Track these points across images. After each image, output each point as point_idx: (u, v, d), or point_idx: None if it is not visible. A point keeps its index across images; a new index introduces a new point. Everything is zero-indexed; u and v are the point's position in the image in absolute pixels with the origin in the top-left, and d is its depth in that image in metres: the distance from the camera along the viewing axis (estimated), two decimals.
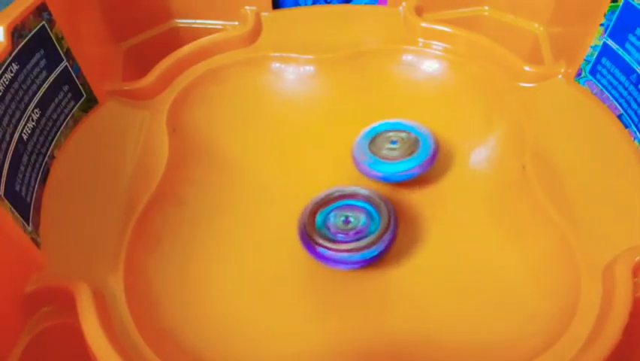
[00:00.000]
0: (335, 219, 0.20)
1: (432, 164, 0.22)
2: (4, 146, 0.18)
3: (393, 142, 0.22)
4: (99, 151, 0.22)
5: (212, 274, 0.20)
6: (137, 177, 0.21)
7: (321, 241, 0.19)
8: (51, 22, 0.21)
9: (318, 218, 0.20)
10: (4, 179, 0.17)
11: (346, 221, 0.20)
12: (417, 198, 0.23)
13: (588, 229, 0.19)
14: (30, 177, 0.19)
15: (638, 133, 0.21)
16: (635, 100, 0.21)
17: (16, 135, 0.19)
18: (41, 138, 0.20)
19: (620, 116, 0.22)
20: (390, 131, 0.23)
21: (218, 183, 0.23)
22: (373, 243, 0.19)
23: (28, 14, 0.19)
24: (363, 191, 0.20)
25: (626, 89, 0.22)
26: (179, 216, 0.21)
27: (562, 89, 0.24)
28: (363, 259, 0.19)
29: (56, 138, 0.21)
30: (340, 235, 0.19)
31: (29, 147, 0.19)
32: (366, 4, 0.29)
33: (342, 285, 0.20)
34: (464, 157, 0.24)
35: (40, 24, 0.20)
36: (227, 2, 0.28)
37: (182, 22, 0.29)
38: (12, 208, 0.17)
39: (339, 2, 0.29)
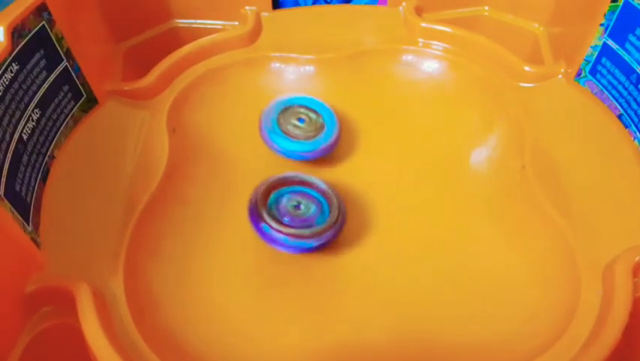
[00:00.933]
0: (287, 202, 0.20)
1: (325, 153, 0.22)
2: (4, 146, 0.18)
3: (300, 120, 0.23)
4: (99, 151, 0.22)
5: (212, 274, 0.20)
6: (137, 177, 0.21)
7: (266, 218, 0.19)
8: (51, 22, 0.21)
9: (272, 196, 0.20)
10: (4, 179, 0.17)
11: (297, 207, 0.20)
12: (416, 198, 0.23)
13: (588, 228, 0.19)
14: (30, 177, 0.19)
15: (638, 133, 0.21)
16: (635, 100, 0.21)
17: (16, 135, 0.19)
18: (41, 138, 0.20)
19: (620, 116, 0.22)
20: (301, 107, 0.23)
21: (219, 183, 0.23)
22: (315, 235, 0.19)
23: (28, 14, 0.19)
24: (322, 184, 0.21)
25: (626, 89, 0.22)
26: (180, 216, 0.21)
27: (562, 89, 0.24)
28: (301, 247, 0.19)
29: (56, 138, 0.21)
30: (287, 218, 0.19)
31: (29, 147, 0.19)
32: (366, 4, 0.29)
33: (344, 281, 0.20)
34: (464, 157, 0.24)
35: (40, 24, 0.20)
36: (227, 2, 0.28)
37: (182, 22, 0.29)
38: (12, 208, 0.17)
39: (339, 2, 0.29)
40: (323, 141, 0.22)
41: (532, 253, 0.20)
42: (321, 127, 0.23)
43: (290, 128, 0.22)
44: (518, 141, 0.22)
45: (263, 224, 0.19)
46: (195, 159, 0.23)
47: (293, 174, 0.21)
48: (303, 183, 0.21)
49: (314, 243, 0.19)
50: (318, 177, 0.21)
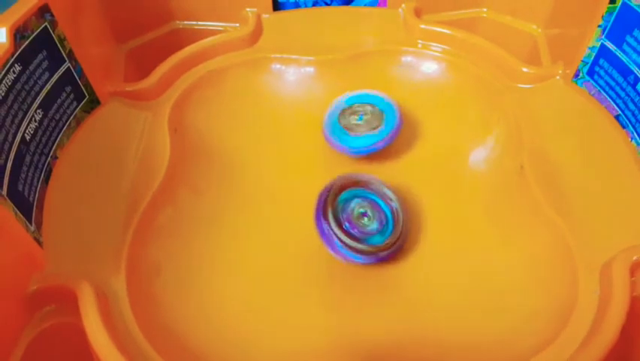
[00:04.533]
0: (354, 207, 0.20)
1: (394, 138, 0.23)
2: (7, 146, 0.18)
3: (360, 116, 0.23)
4: (101, 151, 0.22)
5: (213, 272, 0.20)
6: (139, 177, 0.21)
7: (329, 218, 0.19)
8: (53, 23, 0.21)
9: (343, 195, 0.20)
10: (7, 179, 0.17)
11: (363, 215, 0.20)
12: (415, 199, 0.23)
13: (586, 228, 0.19)
14: (33, 177, 0.19)
15: (635, 133, 0.21)
16: (632, 100, 0.21)
17: (19, 136, 0.19)
18: (44, 139, 0.20)
19: (617, 117, 0.22)
20: (357, 104, 0.24)
21: (220, 183, 0.23)
22: (367, 252, 0.19)
23: (30, 15, 0.19)
24: (394, 202, 0.20)
25: (623, 89, 0.22)
26: (181, 215, 0.21)
27: (560, 90, 0.24)
28: (349, 258, 0.19)
29: (59, 138, 0.21)
30: (347, 224, 0.19)
31: (32, 148, 0.19)
32: (366, 5, 0.29)
33: (345, 280, 0.20)
34: (463, 157, 0.24)
35: (43, 25, 0.20)
36: (228, 4, 0.28)
37: (184, 23, 0.29)
38: (15, 208, 0.17)
39: (340, 4, 0.29)
40: (390, 123, 0.23)
41: (530, 253, 0.20)
42: (380, 114, 0.23)
43: (353, 126, 0.23)
44: (516, 142, 0.22)
45: (325, 223, 0.19)
46: (196, 159, 0.24)
47: (372, 178, 0.21)
48: (377, 192, 0.20)
49: (362, 259, 0.19)
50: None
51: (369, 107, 0.23)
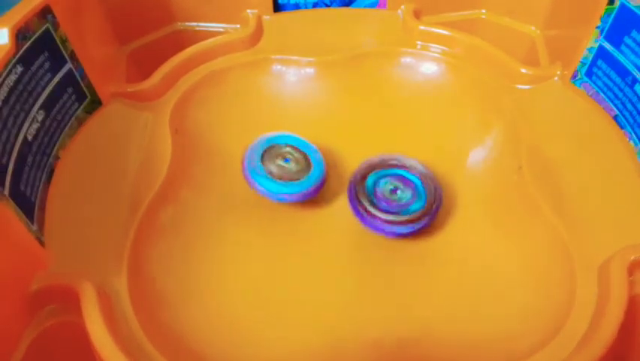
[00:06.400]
0: (384, 186, 0.20)
1: (312, 195, 0.21)
2: (9, 147, 0.18)
3: (286, 160, 0.22)
4: (103, 152, 0.22)
5: (215, 272, 0.20)
6: (141, 177, 0.21)
7: (364, 202, 0.20)
8: (55, 24, 0.21)
9: (370, 179, 0.21)
10: (9, 179, 0.18)
11: (394, 191, 0.20)
12: None
13: (583, 228, 0.19)
14: (35, 177, 0.19)
15: (633, 134, 0.21)
16: (630, 101, 0.21)
17: (21, 136, 0.19)
18: (46, 139, 0.20)
19: (615, 118, 0.22)
20: (287, 146, 0.22)
21: (220, 183, 0.23)
22: (412, 220, 0.20)
23: (32, 16, 0.19)
24: (418, 168, 0.21)
25: (621, 90, 0.22)
26: (182, 215, 0.22)
27: (558, 90, 0.24)
28: (397, 231, 0.20)
29: (60, 138, 0.21)
30: (384, 204, 0.20)
31: (34, 148, 0.20)
32: (365, 7, 0.29)
33: (346, 271, 0.20)
34: (461, 158, 0.24)
35: (45, 26, 0.20)
36: (229, 5, 0.28)
37: (185, 25, 0.29)
38: (17, 208, 0.17)
39: (340, 5, 0.29)
40: (311, 180, 0.21)
41: (529, 253, 0.20)
42: (307, 166, 0.21)
43: (274, 169, 0.21)
44: (515, 142, 0.22)
45: (361, 208, 0.20)
46: (197, 159, 0.24)
47: (392, 156, 0.21)
48: (401, 166, 0.21)
49: (413, 227, 0.20)
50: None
51: (297, 154, 0.22)
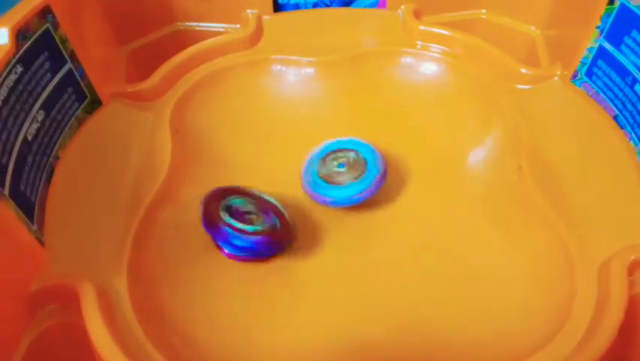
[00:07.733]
0: (240, 206, 0.21)
1: (379, 187, 0.21)
2: (9, 147, 0.18)
3: (340, 165, 0.22)
4: (103, 152, 0.22)
5: (215, 272, 0.20)
6: (141, 177, 0.21)
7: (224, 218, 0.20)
8: (55, 24, 0.21)
9: (231, 201, 0.21)
10: (9, 179, 0.18)
11: (248, 213, 0.21)
12: (414, 198, 0.23)
13: (584, 228, 0.19)
14: (35, 177, 0.19)
15: (633, 134, 0.21)
16: (630, 101, 0.21)
17: (21, 136, 0.19)
18: (46, 139, 0.20)
19: (615, 117, 0.22)
20: (338, 151, 0.22)
21: (221, 183, 0.23)
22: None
23: (32, 16, 0.19)
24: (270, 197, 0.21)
25: (621, 90, 0.22)
26: (183, 215, 0.22)
27: (558, 90, 0.24)
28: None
29: (60, 138, 0.21)
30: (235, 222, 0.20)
31: (34, 148, 0.20)
32: (365, 7, 0.29)
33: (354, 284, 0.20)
34: (461, 158, 0.24)
35: (45, 26, 0.20)
36: (229, 6, 0.28)
37: (185, 25, 0.29)
38: (17, 208, 0.17)
39: (340, 5, 0.29)
40: (373, 172, 0.21)
41: (529, 252, 0.20)
42: (364, 162, 0.21)
43: (333, 176, 0.21)
44: (515, 142, 0.23)
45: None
46: (198, 159, 0.24)
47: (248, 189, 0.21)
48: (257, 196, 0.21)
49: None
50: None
51: (351, 154, 0.22)
